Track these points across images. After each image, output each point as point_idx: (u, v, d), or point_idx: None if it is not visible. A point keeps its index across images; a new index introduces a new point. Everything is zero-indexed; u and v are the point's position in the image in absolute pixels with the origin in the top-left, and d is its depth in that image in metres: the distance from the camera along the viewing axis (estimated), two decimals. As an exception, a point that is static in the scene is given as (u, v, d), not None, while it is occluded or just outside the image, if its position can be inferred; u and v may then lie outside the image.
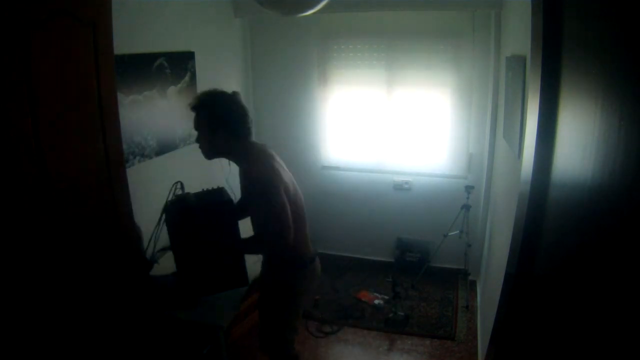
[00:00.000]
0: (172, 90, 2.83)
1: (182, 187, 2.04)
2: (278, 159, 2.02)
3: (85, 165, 1.57)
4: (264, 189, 1.80)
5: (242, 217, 2.08)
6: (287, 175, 1.97)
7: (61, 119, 1.44)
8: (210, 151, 1.96)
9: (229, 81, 3.66)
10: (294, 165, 4.10)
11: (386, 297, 3.39)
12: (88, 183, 1.59)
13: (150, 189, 2.65)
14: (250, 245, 1.95)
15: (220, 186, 2.08)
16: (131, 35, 2.41)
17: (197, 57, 3.06)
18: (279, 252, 1.94)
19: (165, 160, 2.80)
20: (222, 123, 1.86)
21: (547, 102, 1.14)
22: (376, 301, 3.38)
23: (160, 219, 1.99)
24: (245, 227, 2.00)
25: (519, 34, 2.11)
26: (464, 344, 2.94)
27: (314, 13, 2.17)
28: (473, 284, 3.63)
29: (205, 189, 2.06)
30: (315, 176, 4.01)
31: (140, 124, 2.54)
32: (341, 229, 4.07)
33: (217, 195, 2.00)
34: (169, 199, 1.98)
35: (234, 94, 1.96)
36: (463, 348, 2.90)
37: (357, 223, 4.00)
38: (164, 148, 2.78)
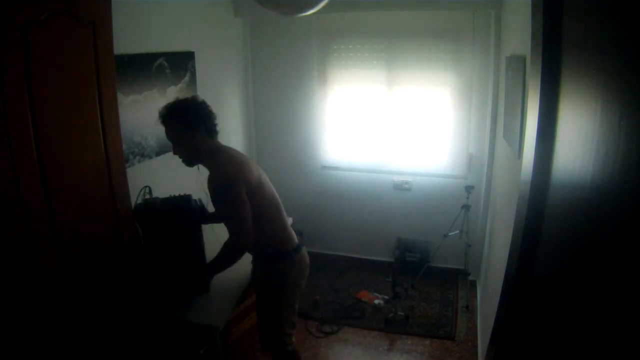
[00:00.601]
0: (172, 90, 2.83)
1: (150, 192, 2.13)
2: (244, 158, 2.03)
3: (85, 165, 1.57)
4: (222, 187, 1.83)
5: (217, 221, 2.19)
6: (254, 169, 1.98)
7: (61, 118, 1.44)
8: (191, 156, 1.97)
9: (229, 81, 3.66)
10: (294, 165, 4.13)
11: (386, 297, 3.39)
12: (88, 183, 1.59)
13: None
14: (220, 257, 1.95)
15: (188, 193, 2.17)
16: (131, 35, 2.41)
17: (197, 57, 3.06)
18: (245, 250, 1.95)
19: (165, 160, 2.80)
20: (198, 124, 1.89)
21: (547, 102, 1.14)
22: (376, 301, 3.38)
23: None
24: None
25: (519, 34, 2.11)
26: (464, 344, 2.94)
27: (314, 13, 2.17)
28: (473, 284, 3.63)
29: (172, 195, 2.14)
30: (315, 176, 4.01)
31: (140, 124, 2.53)
32: (341, 229, 4.07)
33: (184, 202, 2.09)
34: (137, 202, 2.04)
35: (193, 97, 2.04)
36: (463, 348, 2.90)
37: (357, 223, 4.00)
38: (164, 148, 2.78)
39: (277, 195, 2.08)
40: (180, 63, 2.90)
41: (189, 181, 3.13)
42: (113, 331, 1.72)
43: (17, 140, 1.26)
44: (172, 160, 2.89)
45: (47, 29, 1.34)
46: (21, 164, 1.28)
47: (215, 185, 1.85)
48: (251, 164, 2.00)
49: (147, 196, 2.08)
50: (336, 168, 3.94)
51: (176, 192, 2.82)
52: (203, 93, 3.17)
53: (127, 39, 2.32)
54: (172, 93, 2.83)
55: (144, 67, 2.55)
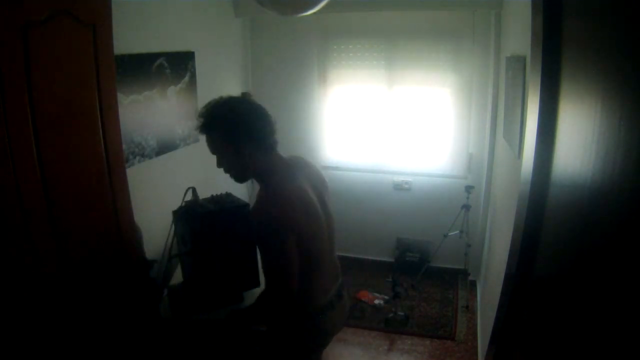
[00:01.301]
0: (172, 90, 2.83)
1: (195, 193, 1.92)
2: (308, 171, 1.67)
3: (85, 165, 1.57)
4: (266, 230, 1.42)
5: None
6: (312, 207, 1.56)
7: (61, 118, 1.44)
8: (242, 172, 1.58)
9: (229, 81, 3.66)
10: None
11: (386, 297, 3.38)
12: (88, 183, 1.59)
13: (151, 189, 2.66)
14: (254, 310, 1.55)
15: (228, 192, 2.02)
16: (131, 35, 2.41)
17: (197, 57, 3.06)
18: (283, 305, 1.49)
19: (165, 160, 2.80)
20: (241, 137, 1.49)
21: (547, 102, 1.14)
22: (376, 301, 3.38)
23: (174, 226, 1.94)
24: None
25: (519, 34, 2.11)
26: (464, 344, 2.94)
27: (314, 13, 2.17)
28: (473, 284, 3.63)
29: (214, 195, 2.00)
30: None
31: (140, 124, 2.53)
32: (341, 229, 4.02)
33: (231, 200, 1.93)
34: (183, 204, 1.90)
35: (244, 95, 1.66)
36: (463, 348, 2.90)
37: (357, 223, 3.99)
38: (164, 148, 2.78)
39: (332, 234, 1.71)
40: (180, 63, 2.90)
41: (189, 182, 3.13)
42: (116, 333, 1.72)
43: (17, 141, 1.26)
44: (172, 161, 2.91)
45: (47, 29, 1.34)
46: (21, 164, 1.28)
47: (258, 223, 1.43)
48: (312, 197, 1.57)
49: (192, 197, 1.99)
50: (336, 168, 3.94)
51: (176, 192, 2.81)
52: (203, 93, 3.17)
53: (127, 39, 2.32)
54: (172, 93, 2.84)
55: (144, 67, 2.55)
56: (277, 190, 1.49)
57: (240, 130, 1.49)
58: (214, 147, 1.57)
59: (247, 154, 1.51)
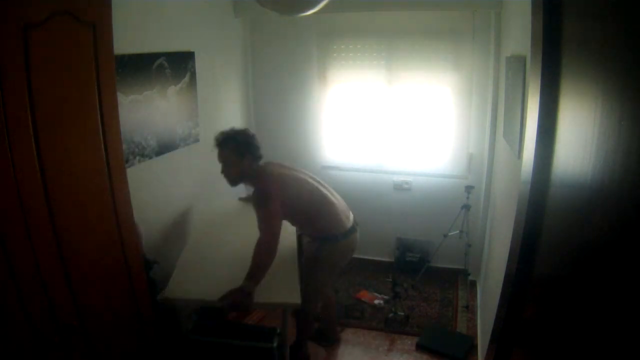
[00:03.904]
0: (172, 90, 2.83)
1: None
2: (286, 164, 2.53)
3: (85, 165, 1.57)
4: (258, 204, 2.24)
5: None
6: (296, 174, 2.48)
7: (61, 119, 1.44)
8: (237, 177, 2.36)
9: (229, 81, 3.66)
10: (294, 165, 4.11)
11: (386, 297, 3.38)
12: (88, 183, 1.59)
13: (151, 189, 2.66)
14: (254, 264, 2.14)
15: None
16: (131, 35, 2.41)
17: (197, 57, 3.06)
18: (270, 254, 2.18)
19: (165, 160, 2.80)
20: (247, 149, 2.31)
21: (547, 102, 1.14)
22: (376, 301, 3.38)
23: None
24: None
25: (519, 34, 2.11)
26: (464, 344, 2.94)
27: (314, 13, 2.17)
28: (473, 284, 3.63)
29: None
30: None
31: (140, 124, 2.54)
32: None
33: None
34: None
35: (246, 130, 2.45)
36: (463, 348, 2.90)
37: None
38: (164, 148, 2.78)
39: (326, 191, 2.50)
40: (180, 63, 2.90)
41: (189, 182, 3.14)
42: (114, 331, 1.72)
43: (17, 141, 1.26)
44: (172, 161, 2.91)
45: (47, 29, 1.34)
46: (21, 164, 1.28)
47: (254, 201, 2.28)
48: (291, 176, 2.44)
49: None
50: (336, 168, 3.94)
51: (176, 192, 2.83)
52: (203, 93, 3.17)
53: (127, 39, 2.32)
54: (172, 93, 2.84)
55: (144, 67, 2.55)
56: (259, 180, 2.35)
57: (246, 147, 2.32)
58: (225, 158, 2.32)
59: (247, 163, 2.33)
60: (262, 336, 2.23)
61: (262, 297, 2.10)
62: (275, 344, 2.19)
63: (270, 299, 2.16)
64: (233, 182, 2.37)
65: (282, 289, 2.22)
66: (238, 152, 2.28)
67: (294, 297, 2.16)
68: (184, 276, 2.31)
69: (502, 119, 2.72)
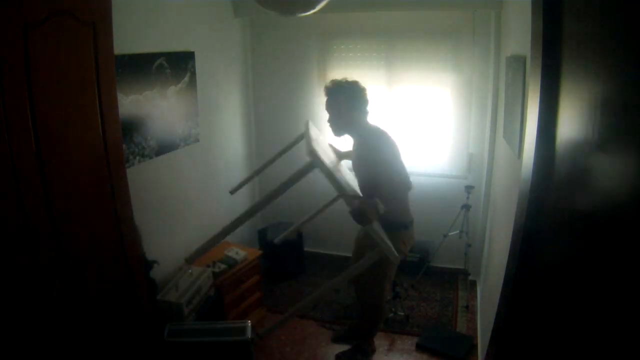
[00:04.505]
0: (172, 90, 2.83)
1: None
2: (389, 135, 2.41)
3: (85, 165, 1.57)
4: (373, 157, 2.25)
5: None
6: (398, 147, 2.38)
7: (61, 118, 1.44)
8: (342, 127, 2.35)
9: (229, 81, 3.66)
10: (294, 165, 4.10)
11: (386, 297, 3.38)
12: (88, 183, 1.59)
13: (151, 189, 2.66)
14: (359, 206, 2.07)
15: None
16: (131, 35, 2.41)
17: (197, 57, 3.06)
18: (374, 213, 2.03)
19: (165, 160, 2.80)
20: (358, 102, 2.30)
21: (547, 102, 1.14)
22: (376, 301, 3.38)
23: None
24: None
25: (519, 34, 2.11)
26: (464, 344, 2.94)
27: (314, 13, 2.17)
28: (473, 284, 3.63)
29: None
30: (315, 176, 4.00)
31: (140, 124, 2.53)
32: (341, 229, 4.04)
33: None
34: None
35: (358, 82, 2.33)
36: (463, 348, 2.90)
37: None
38: (164, 148, 2.78)
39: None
40: (180, 63, 2.90)
41: (189, 182, 3.13)
42: (113, 331, 1.72)
43: (17, 140, 1.26)
44: (172, 161, 2.91)
45: (47, 29, 1.34)
46: (21, 164, 1.28)
47: (367, 154, 2.30)
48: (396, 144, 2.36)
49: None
50: (336, 168, 3.94)
51: (176, 192, 2.81)
52: (203, 93, 3.17)
53: (127, 39, 2.32)
54: (172, 93, 2.84)
55: (144, 67, 2.55)
56: (376, 133, 2.34)
57: (357, 100, 2.31)
58: (332, 106, 2.31)
59: (354, 115, 2.32)
60: (236, 331, 2.33)
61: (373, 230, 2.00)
62: (249, 337, 2.29)
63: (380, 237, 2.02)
64: (338, 131, 2.37)
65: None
66: (349, 103, 2.27)
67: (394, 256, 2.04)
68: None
69: (502, 119, 2.72)
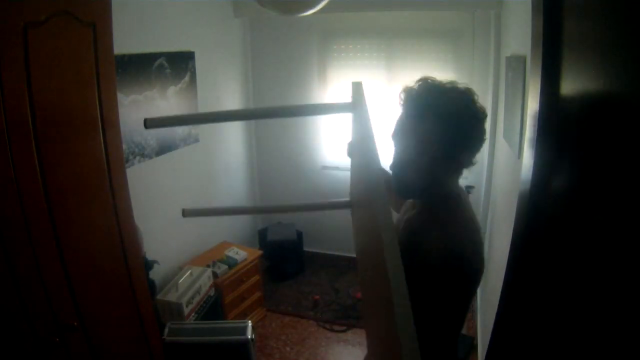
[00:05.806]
0: (172, 90, 2.83)
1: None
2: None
3: (85, 166, 1.57)
4: (439, 270, 1.01)
5: None
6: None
7: (61, 119, 1.44)
8: (420, 180, 1.11)
9: (229, 81, 3.67)
10: (294, 165, 4.12)
11: (386, 297, 3.38)
12: (88, 183, 1.59)
13: (151, 189, 2.66)
14: None
15: None
16: (131, 35, 2.41)
17: (197, 57, 3.06)
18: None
19: (165, 160, 2.80)
20: (460, 146, 1.08)
21: (547, 102, 1.14)
22: (376, 301, 3.38)
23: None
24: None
25: (519, 34, 2.11)
26: (464, 344, 2.94)
27: (314, 13, 2.17)
28: (473, 284, 3.62)
29: None
30: (315, 176, 4.01)
31: (140, 124, 2.53)
32: (341, 229, 4.05)
33: None
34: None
35: (469, 92, 1.18)
36: (463, 348, 2.90)
37: (357, 223, 3.99)
38: (164, 148, 2.78)
39: None
40: (180, 63, 2.90)
41: (189, 182, 3.13)
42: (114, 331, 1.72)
43: (17, 141, 1.26)
44: (172, 161, 2.91)
45: (47, 29, 1.34)
46: (21, 164, 1.28)
47: (430, 259, 1.02)
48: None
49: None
50: (336, 168, 3.94)
51: (176, 192, 2.80)
52: (203, 93, 3.17)
53: (127, 39, 2.32)
54: (172, 93, 2.84)
55: (144, 67, 2.55)
56: (453, 220, 1.08)
57: (461, 137, 1.06)
58: (406, 134, 1.16)
59: (442, 164, 1.09)
60: (236, 331, 2.32)
61: None
62: (250, 336, 2.28)
63: None
64: (403, 186, 1.15)
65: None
66: (441, 138, 1.07)
67: None
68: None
69: (502, 119, 2.72)
